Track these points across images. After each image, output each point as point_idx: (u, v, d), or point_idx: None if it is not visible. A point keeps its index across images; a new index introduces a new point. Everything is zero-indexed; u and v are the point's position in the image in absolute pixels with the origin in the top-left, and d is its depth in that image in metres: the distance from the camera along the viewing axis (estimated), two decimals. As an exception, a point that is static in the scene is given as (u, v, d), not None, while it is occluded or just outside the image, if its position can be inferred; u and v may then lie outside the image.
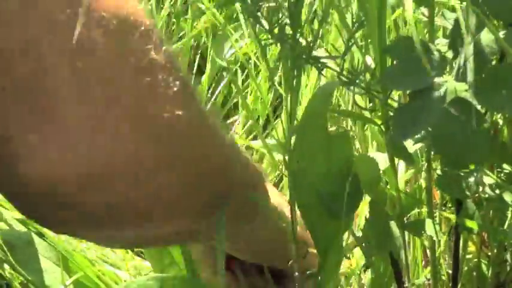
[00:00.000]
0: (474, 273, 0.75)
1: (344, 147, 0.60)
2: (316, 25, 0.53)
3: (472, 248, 0.76)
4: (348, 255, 0.78)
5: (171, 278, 0.66)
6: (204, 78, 1.14)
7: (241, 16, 1.01)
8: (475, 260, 0.75)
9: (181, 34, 1.20)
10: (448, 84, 0.54)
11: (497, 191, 0.61)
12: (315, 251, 0.67)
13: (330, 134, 0.60)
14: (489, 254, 0.75)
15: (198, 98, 0.49)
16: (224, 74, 1.15)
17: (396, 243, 0.61)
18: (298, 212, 0.64)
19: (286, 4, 0.50)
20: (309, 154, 0.60)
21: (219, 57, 1.14)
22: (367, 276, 0.78)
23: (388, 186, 0.66)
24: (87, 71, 0.40)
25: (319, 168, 0.60)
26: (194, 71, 1.15)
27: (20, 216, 0.72)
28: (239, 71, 1.13)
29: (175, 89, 0.43)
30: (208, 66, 1.14)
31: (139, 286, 0.63)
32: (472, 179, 0.60)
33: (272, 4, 0.50)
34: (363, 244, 0.63)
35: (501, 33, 0.53)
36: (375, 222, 0.62)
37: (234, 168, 0.54)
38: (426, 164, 0.64)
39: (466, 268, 0.75)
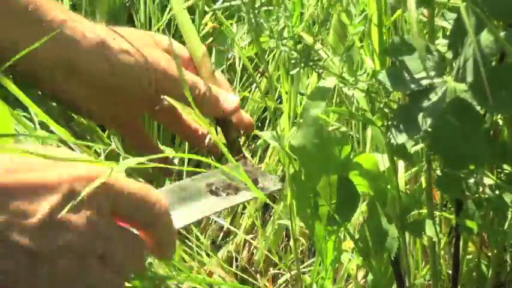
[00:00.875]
0: (474, 273, 0.75)
1: (342, 148, 0.60)
2: (316, 27, 0.53)
3: (472, 248, 0.76)
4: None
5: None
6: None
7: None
8: (475, 260, 0.75)
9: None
10: (448, 85, 0.54)
11: (497, 192, 0.61)
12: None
13: (328, 134, 0.60)
14: (489, 254, 0.75)
15: None
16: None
17: (394, 243, 0.61)
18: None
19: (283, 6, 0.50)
20: (306, 154, 0.60)
21: (221, 56, 1.14)
22: (367, 277, 0.78)
23: (388, 186, 0.66)
24: None
25: (316, 169, 0.60)
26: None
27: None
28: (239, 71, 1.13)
29: None
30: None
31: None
32: (472, 180, 0.60)
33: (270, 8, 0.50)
34: (360, 245, 0.63)
35: (501, 34, 0.53)
36: (372, 223, 0.62)
37: None
38: (426, 164, 0.64)
39: (466, 268, 0.75)
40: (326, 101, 0.57)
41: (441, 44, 0.58)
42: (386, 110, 0.59)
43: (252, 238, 0.99)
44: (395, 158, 0.64)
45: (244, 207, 1.00)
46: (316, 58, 0.53)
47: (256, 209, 0.97)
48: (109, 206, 0.48)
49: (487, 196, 0.61)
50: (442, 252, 0.78)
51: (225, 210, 0.99)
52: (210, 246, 0.98)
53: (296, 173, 0.61)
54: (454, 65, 0.55)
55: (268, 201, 0.90)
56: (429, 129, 0.54)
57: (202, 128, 0.80)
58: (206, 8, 1.10)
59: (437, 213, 0.71)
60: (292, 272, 0.90)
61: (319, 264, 0.65)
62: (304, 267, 0.92)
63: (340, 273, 0.80)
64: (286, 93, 0.66)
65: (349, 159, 0.61)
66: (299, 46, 0.52)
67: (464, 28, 0.52)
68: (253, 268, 0.95)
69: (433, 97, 0.54)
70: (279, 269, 0.94)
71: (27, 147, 0.47)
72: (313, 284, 0.66)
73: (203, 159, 0.53)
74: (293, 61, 0.53)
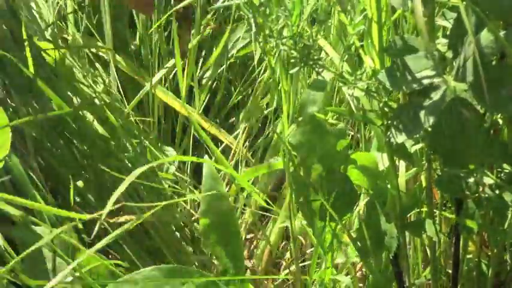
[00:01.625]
0: (474, 273, 0.75)
1: (340, 144, 0.60)
2: (315, 27, 0.53)
3: (472, 247, 0.76)
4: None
5: (175, 269, 0.66)
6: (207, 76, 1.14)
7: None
8: (475, 259, 0.75)
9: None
10: (448, 84, 0.54)
11: (497, 191, 0.61)
12: None
13: (326, 129, 0.60)
14: (489, 253, 0.75)
15: None
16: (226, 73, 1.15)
17: (393, 242, 0.61)
18: None
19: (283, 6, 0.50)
20: (304, 150, 0.60)
21: (222, 56, 1.14)
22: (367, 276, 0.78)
23: (388, 186, 0.66)
24: None
25: (314, 165, 0.60)
26: (198, 69, 1.15)
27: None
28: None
29: None
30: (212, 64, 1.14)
31: (144, 277, 0.64)
32: (471, 179, 0.60)
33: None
34: (358, 244, 0.63)
35: (501, 34, 0.53)
36: (371, 222, 0.62)
37: None
38: (426, 164, 0.64)
39: (466, 268, 0.75)
40: (322, 96, 0.57)
41: (441, 43, 0.57)
42: (386, 109, 0.59)
43: (252, 237, 0.99)
44: (395, 158, 0.64)
45: (245, 207, 1.00)
46: (315, 57, 0.53)
47: (256, 209, 0.97)
48: None
49: (487, 195, 0.61)
50: (442, 251, 0.78)
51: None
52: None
53: (295, 170, 0.61)
54: (454, 64, 0.55)
55: (268, 200, 0.90)
56: (429, 129, 0.54)
57: None
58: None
59: (437, 212, 0.71)
60: (292, 268, 0.90)
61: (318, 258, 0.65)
62: (303, 261, 0.92)
63: (340, 265, 0.80)
64: (286, 92, 0.66)
65: (346, 154, 0.61)
66: (299, 45, 0.52)
67: (464, 27, 0.52)
68: (253, 267, 0.95)
69: (433, 96, 0.54)
70: (279, 268, 0.94)
71: None
72: (312, 275, 0.66)
73: (202, 160, 0.53)
74: (292, 60, 0.53)
